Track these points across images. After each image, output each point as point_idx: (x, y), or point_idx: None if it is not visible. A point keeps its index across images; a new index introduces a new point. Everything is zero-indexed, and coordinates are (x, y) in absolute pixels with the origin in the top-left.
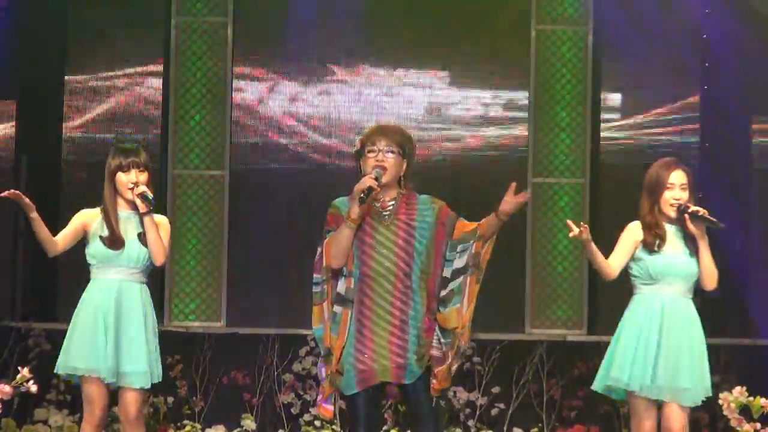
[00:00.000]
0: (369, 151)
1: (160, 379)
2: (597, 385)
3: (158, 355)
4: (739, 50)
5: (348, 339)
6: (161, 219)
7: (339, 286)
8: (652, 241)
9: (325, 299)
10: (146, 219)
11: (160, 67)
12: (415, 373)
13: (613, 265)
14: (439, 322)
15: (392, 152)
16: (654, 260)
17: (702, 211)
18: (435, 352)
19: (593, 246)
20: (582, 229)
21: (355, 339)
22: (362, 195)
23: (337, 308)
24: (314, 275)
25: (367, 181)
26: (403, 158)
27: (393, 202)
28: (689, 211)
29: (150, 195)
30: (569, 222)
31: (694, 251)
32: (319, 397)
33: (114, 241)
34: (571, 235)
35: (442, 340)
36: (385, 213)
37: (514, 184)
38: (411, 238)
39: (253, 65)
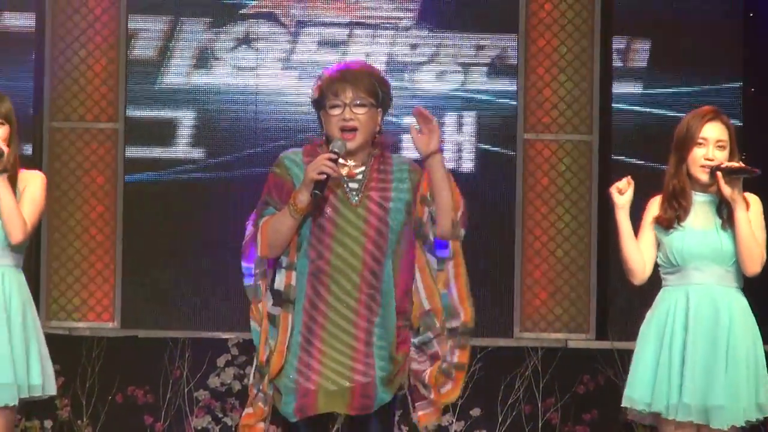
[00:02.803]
0: (332, 106)
1: (52, 391)
2: (627, 409)
3: (41, 362)
4: None
5: (290, 350)
6: (31, 176)
7: (276, 281)
8: (671, 216)
9: (261, 298)
10: None
11: None
12: (383, 399)
13: (643, 258)
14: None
15: (363, 105)
16: (672, 239)
17: (734, 164)
18: (415, 365)
19: (625, 222)
20: (626, 181)
21: (301, 351)
22: (316, 190)
23: (274, 309)
24: (243, 263)
25: (323, 166)
26: (377, 109)
27: (362, 170)
28: (722, 167)
29: (3, 148)
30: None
31: (731, 223)
32: (248, 417)
33: None
34: (612, 188)
35: (421, 340)
36: (352, 186)
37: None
38: (383, 224)
39: None
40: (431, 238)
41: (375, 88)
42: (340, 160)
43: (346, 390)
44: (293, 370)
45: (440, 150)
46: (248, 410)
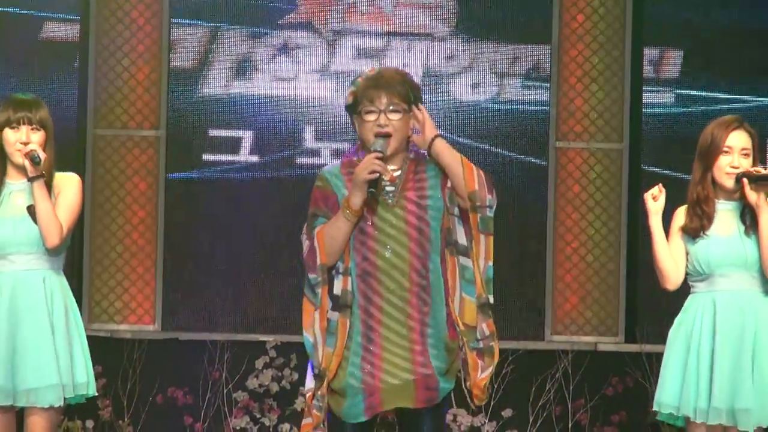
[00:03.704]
0: (367, 112)
1: (94, 391)
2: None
3: (85, 362)
4: None
5: (352, 352)
6: (66, 179)
7: (335, 287)
8: (696, 225)
9: (319, 306)
10: (35, 186)
11: None
12: (446, 389)
13: (676, 263)
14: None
15: (397, 111)
16: (697, 248)
17: (761, 170)
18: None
19: (658, 228)
20: (658, 188)
21: (363, 351)
22: (371, 188)
23: (332, 315)
24: (309, 275)
25: (373, 165)
26: (410, 114)
27: (399, 173)
28: (748, 174)
29: (40, 155)
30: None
31: (754, 229)
32: (307, 427)
33: None
34: (646, 195)
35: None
36: (388, 189)
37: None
38: (423, 222)
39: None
40: (463, 242)
41: (408, 94)
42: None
43: (410, 383)
44: (358, 370)
45: (439, 135)
46: (307, 420)
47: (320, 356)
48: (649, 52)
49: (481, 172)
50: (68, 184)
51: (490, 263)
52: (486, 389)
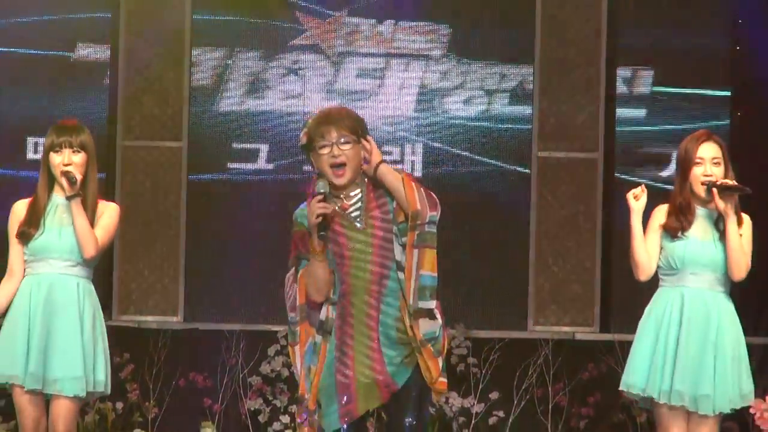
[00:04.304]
0: (321, 147)
1: (107, 390)
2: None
3: (105, 363)
4: None
5: (326, 369)
6: (108, 206)
7: (321, 313)
8: (676, 226)
9: (297, 342)
10: (72, 204)
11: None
12: (404, 375)
13: (650, 257)
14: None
15: (347, 142)
16: (675, 247)
17: (728, 182)
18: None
19: (638, 225)
20: (641, 188)
21: (338, 362)
22: (321, 231)
23: (317, 337)
24: (289, 314)
25: (317, 209)
26: (360, 143)
27: (358, 197)
28: (717, 184)
29: (76, 175)
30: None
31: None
32: None
33: (23, 232)
34: (628, 195)
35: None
36: (353, 214)
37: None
38: (389, 232)
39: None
40: (398, 259)
41: (355, 126)
42: (334, 198)
43: (375, 382)
44: (332, 385)
45: (383, 161)
46: None
47: (301, 385)
48: (622, 72)
49: (422, 190)
50: (109, 210)
51: (430, 273)
52: (441, 386)
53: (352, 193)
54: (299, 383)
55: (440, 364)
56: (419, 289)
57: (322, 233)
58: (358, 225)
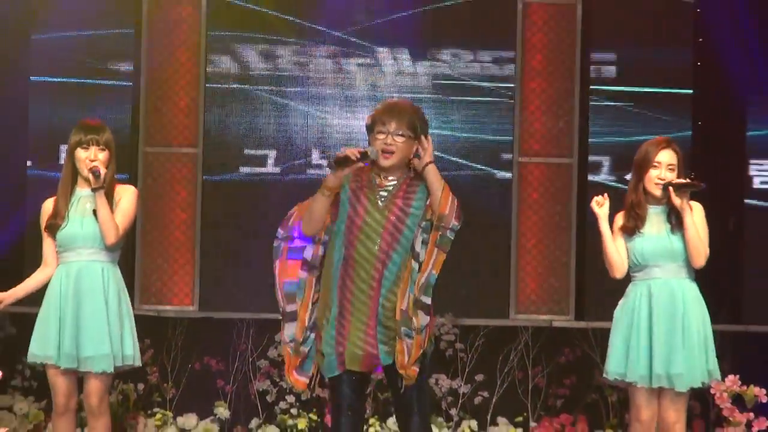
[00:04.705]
0: (378, 132)
1: (138, 363)
2: (606, 379)
3: (133, 338)
4: (735, 25)
5: (329, 322)
6: (125, 190)
7: (306, 251)
8: (632, 225)
9: (279, 257)
10: (96, 195)
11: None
12: (386, 361)
13: (622, 257)
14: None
15: (402, 136)
16: (634, 244)
17: (683, 180)
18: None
19: (606, 229)
20: (603, 197)
21: (337, 323)
22: (337, 161)
23: (302, 273)
24: (278, 230)
25: (348, 151)
26: (414, 140)
27: (393, 183)
28: (672, 183)
29: (101, 170)
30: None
31: (679, 227)
32: (290, 368)
33: (50, 224)
34: (592, 203)
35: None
36: (382, 193)
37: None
38: (401, 224)
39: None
40: (417, 250)
41: (414, 123)
42: (375, 175)
43: (362, 354)
44: (332, 339)
45: (432, 162)
46: (302, 378)
47: (291, 300)
48: (595, 87)
49: (456, 202)
50: (126, 194)
51: (435, 273)
52: (412, 372)
53: (390, 177)
54: (292, 297)
55: (418, 355)
56: (426, 285)
57: (334, 162)
58: (380, 203)
